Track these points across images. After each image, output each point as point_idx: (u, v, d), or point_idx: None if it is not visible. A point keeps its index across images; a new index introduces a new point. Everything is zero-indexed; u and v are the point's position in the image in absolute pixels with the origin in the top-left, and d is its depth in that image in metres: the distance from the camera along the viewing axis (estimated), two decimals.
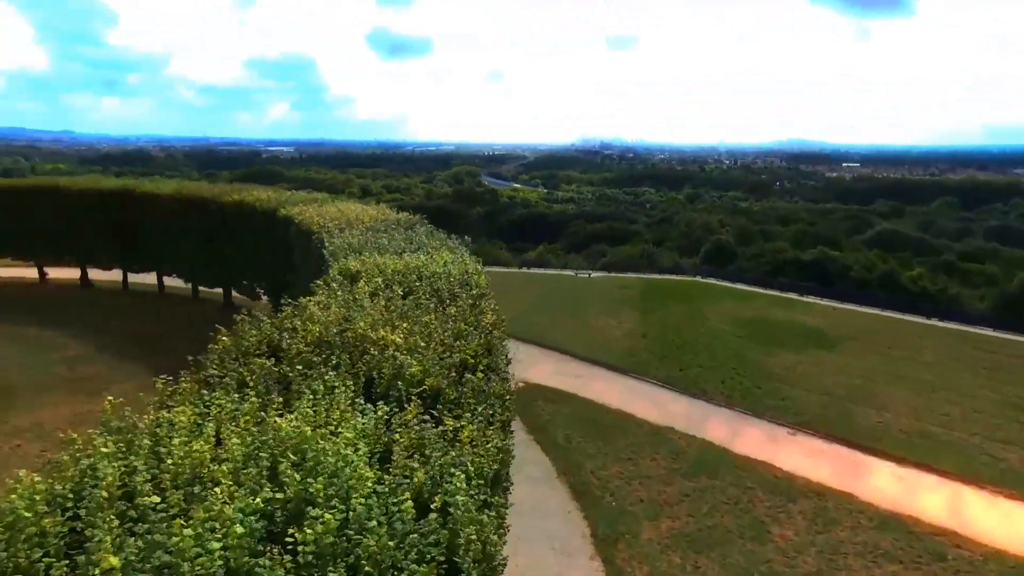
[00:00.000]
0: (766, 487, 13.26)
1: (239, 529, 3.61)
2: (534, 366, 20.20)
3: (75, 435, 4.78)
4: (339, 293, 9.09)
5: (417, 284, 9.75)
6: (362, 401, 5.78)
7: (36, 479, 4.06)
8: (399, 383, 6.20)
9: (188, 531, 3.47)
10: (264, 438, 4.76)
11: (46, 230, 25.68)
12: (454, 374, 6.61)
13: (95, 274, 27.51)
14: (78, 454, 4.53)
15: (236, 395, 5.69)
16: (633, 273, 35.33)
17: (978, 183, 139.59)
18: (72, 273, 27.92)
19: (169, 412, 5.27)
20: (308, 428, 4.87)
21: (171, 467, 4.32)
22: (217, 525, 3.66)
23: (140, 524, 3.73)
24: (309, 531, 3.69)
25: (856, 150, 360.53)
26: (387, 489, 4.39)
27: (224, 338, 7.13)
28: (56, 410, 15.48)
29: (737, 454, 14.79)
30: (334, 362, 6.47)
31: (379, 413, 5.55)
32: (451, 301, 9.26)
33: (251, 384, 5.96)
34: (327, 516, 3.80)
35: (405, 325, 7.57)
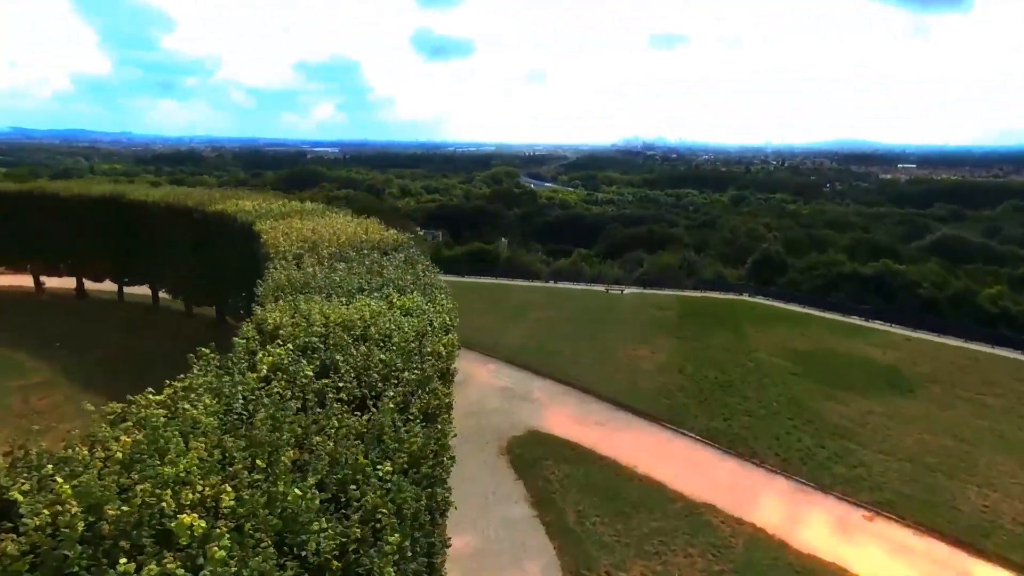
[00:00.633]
0: None
1: None
2: (548, 407, 16.99)
3: None
4: (224, 377, 6.01)
5: (343, 358, 6.65)
6: None
7: None
8: None
9: None
10: None
11: (39, 237, 23.72)
12: None
13: (96, 284, 25.53)
14: None
15: None
16: (671, 290, 31.57)
17: None
18: (69, 283, 26.04)
19: None
20: None
21: None
22: None
23: None
24: None
25: (912, 150, 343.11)
26: None
27: None
28: None
29: (798, 551, 11.26)
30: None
31: None
32: (383, 389, 6.16)
33: None
34: None
35: (245, 476, 4.25)
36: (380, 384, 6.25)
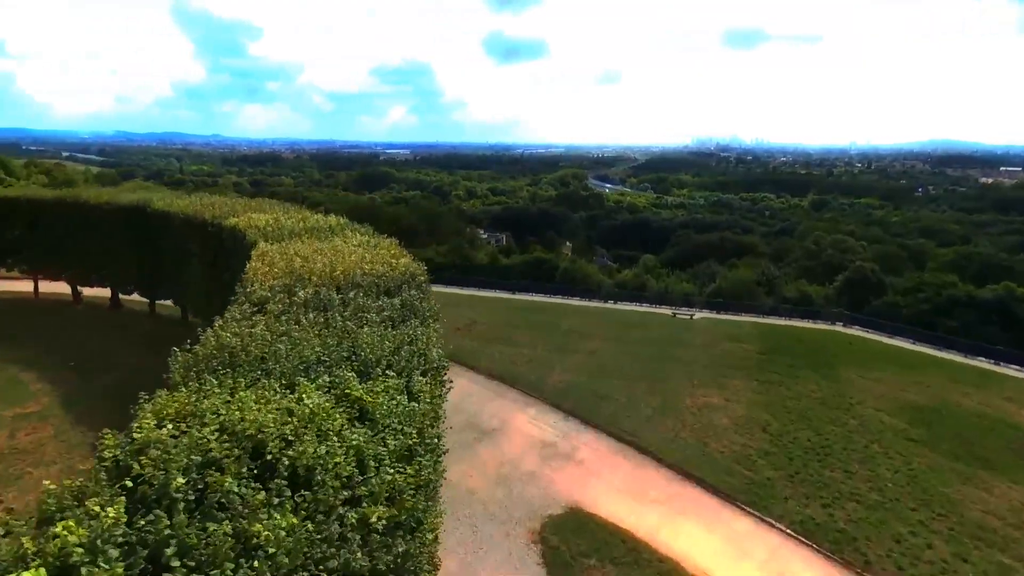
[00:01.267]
0: None
1: None
2: (596, 474, 13.71)
3: None
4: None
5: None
6: None
7: None
8: None
9: None
10: None
11: (74, 245, 22.50)
12: None
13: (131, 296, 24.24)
14: None
15: None
16: (749, 315, 27.36)
17: None
18: (107, 293, 24.88)
19: None
20: None
21: None
22: None
23: None
24: None
25: (1017, 151, 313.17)
26: None
27: None
28: None
29: None
30: None
31: None
32: None
33: None
34: None
35: None
36: None
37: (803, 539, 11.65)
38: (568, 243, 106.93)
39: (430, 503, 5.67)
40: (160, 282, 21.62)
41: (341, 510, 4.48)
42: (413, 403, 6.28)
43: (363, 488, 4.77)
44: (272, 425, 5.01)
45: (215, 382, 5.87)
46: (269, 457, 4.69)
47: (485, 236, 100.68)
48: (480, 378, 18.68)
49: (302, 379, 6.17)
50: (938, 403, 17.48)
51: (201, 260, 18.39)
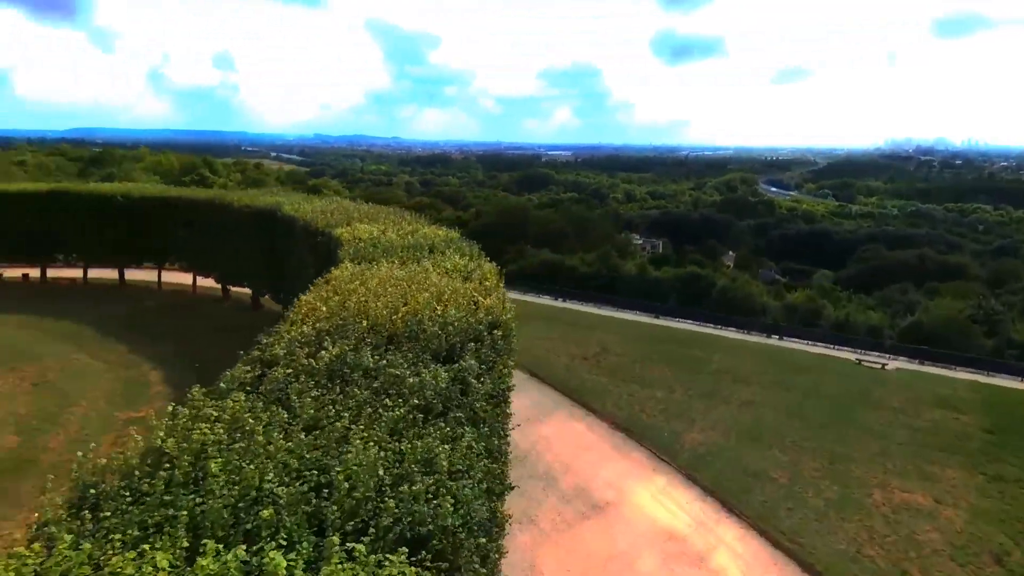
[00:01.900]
0: None
1: None
2: None
3: None
4: None
5: None
6: None
7: None
8: None
9: None
10: None
11: (222, 245, 23.21)
12: None
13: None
14: None
15: None
16: (967, 369, 20.92)
17: None
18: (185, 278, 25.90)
19: None
20: None
21: None
22: None
23: None
24: None
25: None
26: None
27: None
28: None
29: None
30: None
31: None
32: None
33: None
34: None
35: None
36: None
37: None
38: (731, 252, 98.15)
39: None
40: (286, 288, 21.32)
41: None
42: None
43: None
44: None
45: (66, 539, 3.57)
46: None
47: (640, 242, 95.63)
48: (602, 426, 15.53)
49: (210, 542, 3.67)
50: None
51: (314, 268, 17.38)
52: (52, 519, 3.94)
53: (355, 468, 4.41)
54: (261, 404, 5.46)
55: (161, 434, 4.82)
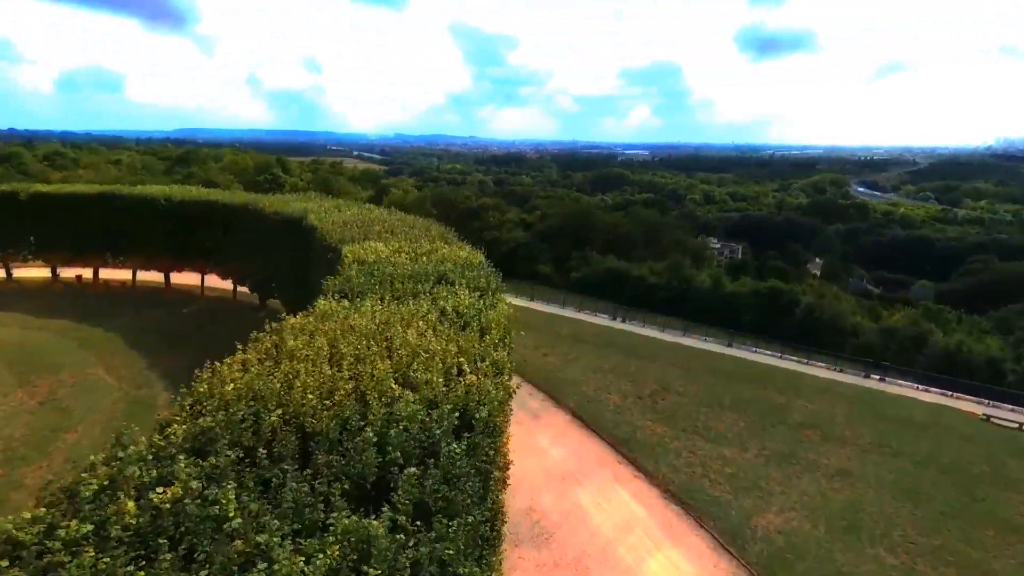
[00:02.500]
0: None
1: None
2: None
3: None
4: None
5: None
6: None
7: None
8: None
9: None
10: None
11: (250, 253, 21.88)
12: None
13: None
14: None
15: None
16: None
17: None
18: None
19: None
20: None
21: None
22: None
23: None
24: None
25: None
26: None
27: None
28: None
29: None
30: None
31: None
32: None
33: None
34: None
35: None
36: None
37: None
38: (817, 260, 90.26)
39: None
40: (310, 302, 19.53)
41: None
42: None
43: None
44: None
45: None
46: None
47: (717, 246, 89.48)
48: (652, 493, 12.51)
49: None
50: None
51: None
52: None
53: None
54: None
55: None
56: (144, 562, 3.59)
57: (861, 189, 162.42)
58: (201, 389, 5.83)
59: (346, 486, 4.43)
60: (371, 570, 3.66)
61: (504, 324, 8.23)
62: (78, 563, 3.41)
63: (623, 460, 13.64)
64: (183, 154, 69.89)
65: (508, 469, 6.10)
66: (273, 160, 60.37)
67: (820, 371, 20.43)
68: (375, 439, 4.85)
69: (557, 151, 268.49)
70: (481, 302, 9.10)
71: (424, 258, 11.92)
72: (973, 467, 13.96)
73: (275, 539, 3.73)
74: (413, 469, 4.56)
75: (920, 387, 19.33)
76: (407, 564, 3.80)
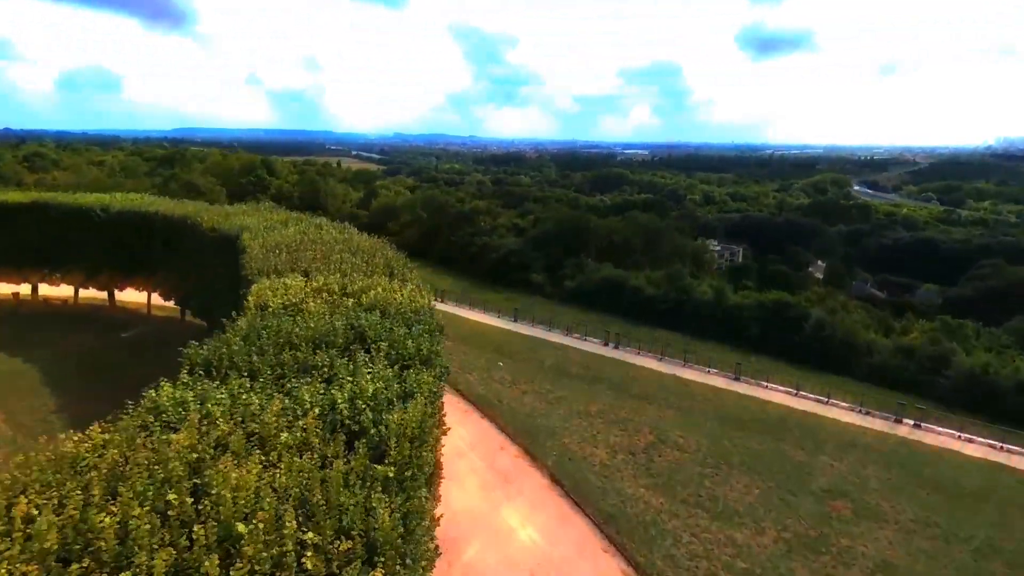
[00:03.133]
0: None
1: None
2: None
3: None
4: None
5: None
6: None
7: None
8: None
9: None
10: None
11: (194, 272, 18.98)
12: None
13: None
14: None
15: None
16: None
17: None
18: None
19: None
20: None
21: None
22: None
23: None
24: None
25: None
26: None
27: None
28: None
29: None
30: None
31: None
32: None
33: None
34: None
35: None
36: None
37: None
38: (819, 262, 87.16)
39: None
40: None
41: None
42: None
43: None
44: None
45: None
46: None
47: (717, 248, 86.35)
48: None
49: None
50: None
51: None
52: None
53: None
54: None
55: None
56: None
57: (862, 189, 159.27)
58: None
59: None
60: None
61: (428, 434, 5.36)
62: None
63: (609, 547, 10.78)
64: (168, 155, 66.90)
65: None
66: (258, 161, 57.24)
67: (843, 413, 17.46)
68: None
69: (556, 151, 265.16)
70: (399, 386, 6.24)
71: (349, 302, 9.03)
72: (1004, 545, 11.07)
73: None
74: None
75: (963, 436, 16.34)
76: None
